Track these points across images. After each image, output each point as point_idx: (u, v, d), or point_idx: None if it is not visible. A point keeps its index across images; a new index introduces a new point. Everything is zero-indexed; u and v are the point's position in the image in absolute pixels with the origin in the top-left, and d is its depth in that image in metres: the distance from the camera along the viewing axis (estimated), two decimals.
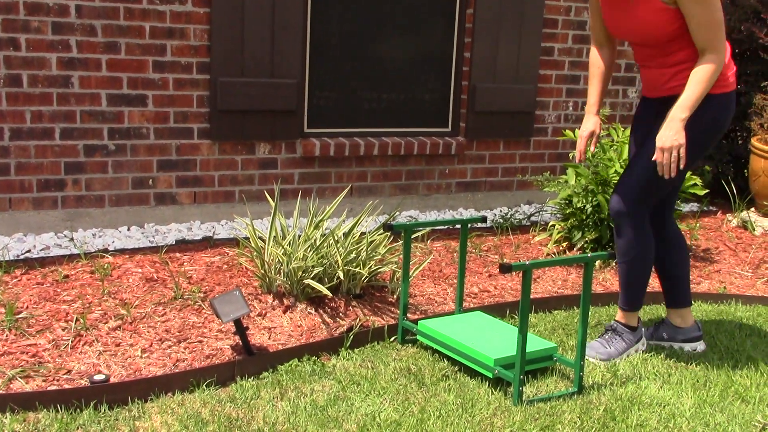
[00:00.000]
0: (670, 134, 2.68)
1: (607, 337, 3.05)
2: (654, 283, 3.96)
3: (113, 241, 3.80)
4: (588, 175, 4.10)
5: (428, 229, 4.29)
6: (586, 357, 3.00)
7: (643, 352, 3.10)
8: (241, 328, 2.80)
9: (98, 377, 2.56)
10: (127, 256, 3.56)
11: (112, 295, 3.13)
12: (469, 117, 4.80)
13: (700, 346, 3.15)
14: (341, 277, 3.17)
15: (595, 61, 3.05)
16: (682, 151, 2.69)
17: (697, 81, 2.67)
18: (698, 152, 2.84)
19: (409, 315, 3.27)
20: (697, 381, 2.89)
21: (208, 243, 3.85)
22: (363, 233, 3.52)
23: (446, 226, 4.45)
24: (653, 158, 2.74)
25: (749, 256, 4.44)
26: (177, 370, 2.69)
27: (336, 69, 4.50)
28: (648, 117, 3.00)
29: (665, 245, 3.07)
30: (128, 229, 4.02)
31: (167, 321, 2.98)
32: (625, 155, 4.02)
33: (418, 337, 3.02)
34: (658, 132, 2.73)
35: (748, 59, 5.57)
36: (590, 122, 3.03)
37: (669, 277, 3.11)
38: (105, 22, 3.83)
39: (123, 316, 2.97)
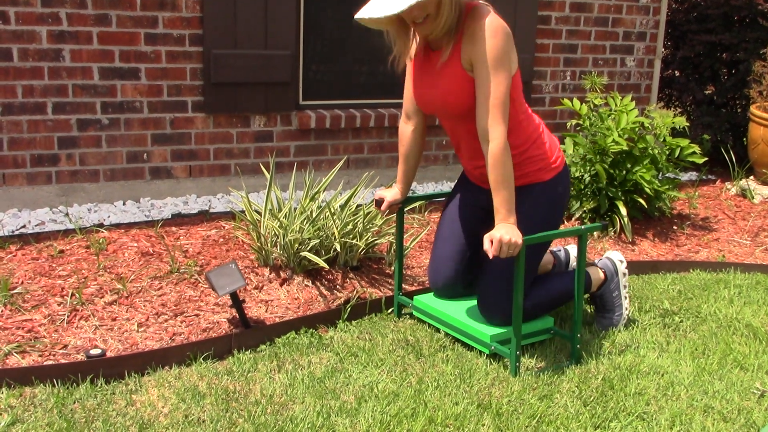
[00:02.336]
0: (504, 231, 2.47)
1: (601, 306, 3.03)
2: (652, 252, 3.95)
3: (108, 216, 3.78)
4: (586, 144, 4.06)
5: None
6: (608, 327, 2.99)
7: (621, 261, 3.03)
8: (237, 301, 2.78)
9: (94, 351, 2.55)
10: (123, 230, 3.53)
11: (108, 270, 3.11)
12: None
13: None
14: (338, 249, 3.15)
15: (403, 137, 2.89)
16: (516, 249, 2.50)
17: (503, 180, 2.49)
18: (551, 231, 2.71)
19: (406, 287, 3.26)
20: (696, 349, 2.88)
21: (204, 217, 3.82)
22: (359, 205, 3.50)
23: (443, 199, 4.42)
24: (491, 255, 2.49)
25: (748, 225, 4.43)
26: (174, 344, 2.68)
27: (331, 40, 4.45)
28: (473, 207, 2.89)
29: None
30: (123, 204, 3.99)
31: (163, 295, 2.97)
32: (623, 124, 3.99)
33: (414, 312, 3.00)
34: (491, 231, 2.52)
35: (747, 26, 5.52)
36: (390, 191, 2.92)
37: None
38: None
39: (119, 290, 2.95)
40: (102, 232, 3.49)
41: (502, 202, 2.52)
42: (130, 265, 3.17)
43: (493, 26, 2.46)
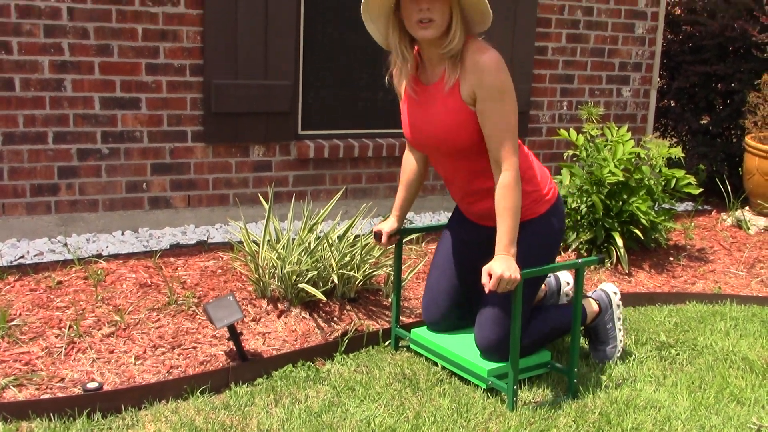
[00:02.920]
0: (504, 266, 2.48)
1: (595, 339, 3.04)
2: (649, 284, 3.96)
3: (107, 246, 3.79)
4: (582, 175, 4.09)
5: None
6: (604, 360, 3.00)
7: (615, 293, 3.05)
8: (234, 334, 2.79)
9: (91, 385, 2.55)
10: (121, 261, 3.54)
11: (106, 301, 3.11)
12: None
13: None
14: (336, 281, 3.17)
15: (406, 166, 2.93)
16: (513, 284, 2.51)
17: (511, 210, 2.52)
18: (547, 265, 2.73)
19: (403, 319, 3.27)
20: (692, 383, 2.89)
21: (202, 247, 3.83)
22: (357, 236, 3.51)
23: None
24: (488, 289, 2.51)
25: (744, 256, 4.45)
26: (171, 377, 2.68)
27: (330, 70, 4.49)
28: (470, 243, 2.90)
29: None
30: (122, 234, 4.00)
31: (161, 327, 2.97)
32: (619, 154, 4.02)
33: (411, 345, 3.01)
34: (489, 263, 2.53)
35: (741, 57, 5.58)
36: (387, 222, 2.93)
37: None
38: (97, 25, 3.81)
39: (116, 322, 2.96)
40: (100, 262, 3.50)
41: (505, 231, 2.53)
42: (128, 297, 3.17)
43: (497, 60, 2.50)
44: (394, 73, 2.70)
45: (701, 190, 4.41)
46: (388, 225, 2.93)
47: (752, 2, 5.49)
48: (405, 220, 4.56)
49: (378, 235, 2.93)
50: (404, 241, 4.05)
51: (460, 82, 2.54)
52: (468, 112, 2.55)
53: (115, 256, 3.61)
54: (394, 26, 2.57)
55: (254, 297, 3.23)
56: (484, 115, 2.52)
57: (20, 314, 2.96)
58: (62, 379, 2.62)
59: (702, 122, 5.87)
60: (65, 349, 2.77)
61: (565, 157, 4.61)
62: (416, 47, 2.65)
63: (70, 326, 2.89)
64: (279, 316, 3.13)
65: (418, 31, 2.49)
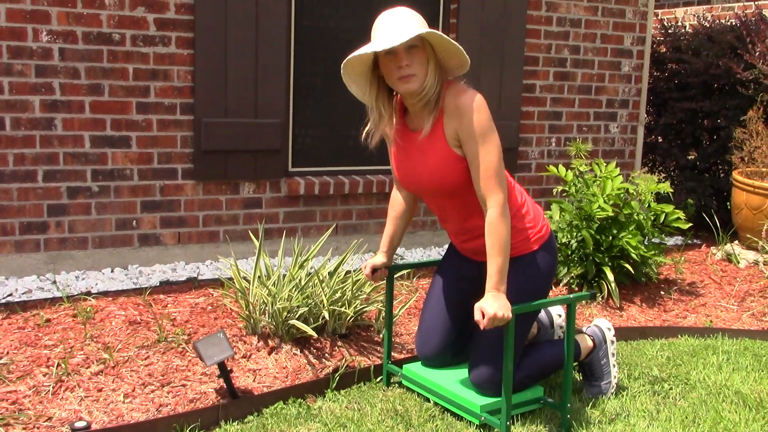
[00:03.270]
0: (497, 305, 2.49)
1: (589, 374, 3.02)
2: (640, 318, 3.96)
3: (96, 284, 3.76)
4: (572, 210, 4.11)
5: None
6: (598, 395, 2.99)
7: (609, 329, 3.05)
8: (225, 371, 2.76)
9: (79, 424, 2.51)
10: (111, 298, 3.52)
11: (95, 339, 3.08)
12: None
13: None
14: (326, 317, 3.15)
15: (394, 203, 2.95)
16: (504, 320, 2.52)
17: (499, 247, 2.52)
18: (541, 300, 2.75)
19: (395, 355, 3.25)
20: (686, 417, 2.87)
21: (192, 284, 3.82)
22: (348, 272, 3.51)
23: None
24: (483, 326, 2.51)
25: (734, 289, 4.46)
26: (160, 415, 2.65)
27: (320, 108, 4.52)
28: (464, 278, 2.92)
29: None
30: (112, 271, 3.98)
31: (150, 365, 2.94)
32: (608, 190, 4.05)
33: (403, 381, 2.99)
34: (481, 301, 2.54)
35: (726, 94, 5.65)
36: (377, 259, 2.93)
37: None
38: (88, 65, 3.84)
39: (105, 360, 2.93)
40: (89, 300, 3.48)
41: (496, 269, 2.53)
42: (118, 334, 3.14)
43: (477, 101, 2.52)
44: (370, 128, 2.71)
45: (690, 224, 4.43)
46: (379, 261, 2.93)
47: (736, 40, 5.59)
48: (396, 256, 4.56)
49: (370, 272, 2.93)
50: (395, 276, 4.05)
51: (444, 126, 2.57)
52: (454, 154, 2.58)
53: (105, 294, 3.59)
54: (373, 83, 2.62)
55: (245, 334, 3.21)
56: (468, 155, 2.55)
57: (8, 352, 2.93)
58: (50, 419, 2.58)
59: (689, 157, 5.93)
60: (53, 387, 2.73)
61: (554, 193, 4.63)
62: (398, 96, 2.69)
63: (59, 364, 2.85)
64: (270, 353, 3.10)
65: (401, 86, 2.54)
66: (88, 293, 3.60)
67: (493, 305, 2.48)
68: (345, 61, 2.53)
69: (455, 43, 2.52)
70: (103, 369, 2.88)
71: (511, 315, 2.50)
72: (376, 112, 2.65)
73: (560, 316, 3.20)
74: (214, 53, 4.06)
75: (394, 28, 2.48)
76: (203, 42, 4.03)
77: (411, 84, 2.52)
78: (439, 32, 2.49)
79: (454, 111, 2.54)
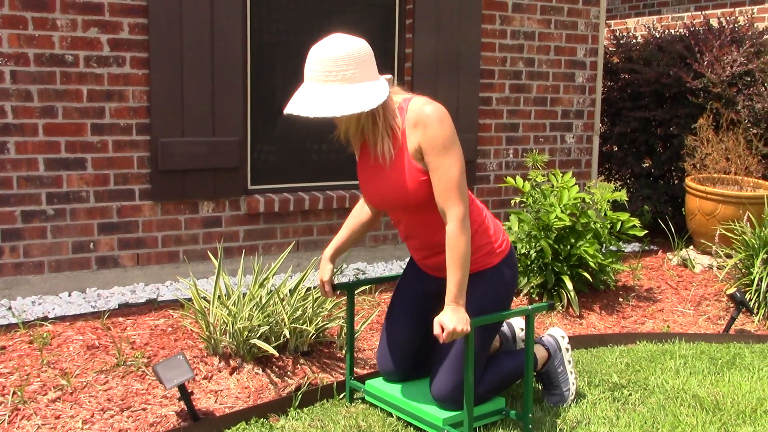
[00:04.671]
0: (456, 319, 2.50)
1: (548, 383, 3.06)
2: (600, 325, 4.01)
3: (53, 308, 3.71)
4: (530, 221, 4.16)
5: None
6: (558, 403, 3.02)
7: (563, 337, 3.08)
8: (185, 394, 2.74)
9: None
10: (68, 323, 3.47)
11: (52, 365, 3.04)
12: None
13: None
14: (288, 335, 3.14)
15: (356, 212, 2.92)
16: (463, 334, 2.53)
17: (458, 261, 2.53)
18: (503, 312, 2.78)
19: (357, 370, 3.25)
20: (645, 423, 2.92)
21: (152, 306, 3.78)
22: (309, 289, 3.50)
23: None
24: (442, 340, 2.52)
25: (690, 294, 4.54)
26: None
27: (278, 125, 4.53)
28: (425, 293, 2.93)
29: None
30: (69, 295, 3.93)
31: (109, 389, 2.91)
32: (565, 200, 4.10)
33: (366, 397, 2.99)
34: (440, 315, 2.54)
35: (677, 102, 5.78)
36: (321, 269, 2.90)
37: None
38: (41, 87, 3.80)
39: (63, 386, 2.88)
40: (46, 325, 3.42)
41: (455, 283, 2.55)
42: (75, 360, 3.10)
43: (439, 114, 2.54)
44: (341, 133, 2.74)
45: (646, 231, 4.52)
46: (326, 274, 2.90)
47: (685, 50, 5.72)
48: (357, 271, 4.57)
49: (323, 288, 2.91)
50: (357, 292, 4.05)
51: (407, 139, 2.58)
52: (417, 167, 2.59)
53: (62, 318, 3.54)
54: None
55: (205, 354, 3.18)
56: (430, 167, 2.56)
57: None
58: None
59: (644, 165, 6.04)
60: (9, 416, 2.68)
61: (512, 204, 4.69)
62: None
63: (14, 392, 2.80)
64: (231, 373, 3.08)
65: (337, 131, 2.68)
66: (45, 318, 3.54)
67: (452, 319, 2.50)
68: (287, 113, 2.53)
69: (355, 110, 2.44)
70: (61, 395, 2.83)
71: (469, 328, 2.52)
72: (342, 128, 2.68)
73: (522, 329, 3.23)
74: (170, 72, 4.05)
75: (311, 91, 2.46)
76: (158, 62, 4.01)
77: (337, 130, 2.65)
78: (351, 107, 2.42)
79: (417, 123, 2.55)
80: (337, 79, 2.44)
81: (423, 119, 2.54)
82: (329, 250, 2.93)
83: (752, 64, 5.44)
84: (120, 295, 3.96)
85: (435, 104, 2.57)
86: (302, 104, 2.46)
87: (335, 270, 2.94)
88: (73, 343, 3.24)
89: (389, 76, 2.67)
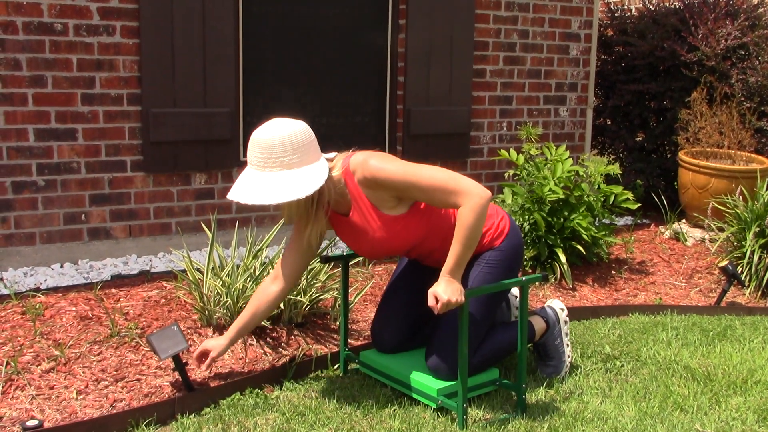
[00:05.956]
0: (450, 290, 2.50)
1: (543, 354, 3.07)
2: (592, 297, 4.03)
3: (45, 280, 3.69)
4: (524, 194, 4.16)
5: None
6: (552, 375, 3.03)
7: (562, 309, 3.10)
8: (180, 364, 2.74)
9: (31, 423, 2.46)
10: (61, 294, 3.45)
11: (45, 336, 3.03)
12: (405, 140, 4.83)
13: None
14: (282, 306, 3.13)
15: (263, 295, 2.74)
16: (457, 305, 2.53)
17: (463, 235, 2.51)
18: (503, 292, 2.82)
19: (351, 341, 3.25)
20: (637, 393, 2.94)
21: (144, 277, 3.76)
22: None
23: None
24: (437, 311, 2.52)
25: (682, 267, 4.56)
26: (114, 411, 2.61)
27: (271, 96, 4.49)
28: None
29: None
30: (61, 266, 3.91)
31: (103, 360, 2.90)
32: (559, 173, 4.10)
33: (360, 368, 3.00)
34: (434, 286, 2.54)
35: (671, 76, 5.76)
36: (216, 342, 2.76)
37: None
38: (30, 56, 3.74)
39: (56, 357, 2.87)
40: (39, 296, 3.41)
41: (455, 256, 2.54)
42: (69, 331, 3.09)
43: (378, 162, 2.52)
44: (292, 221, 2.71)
45: (639, 204, 4.52)
46: (217, 349, 2.75)
47: (679, 23, 5.69)
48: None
49: (201, 356, 2.77)
50: (351, 264, 4.05)
51: (369, 199, 2.59)
52: (395, 219, 2.60)
53: (54, 290, 3.52)
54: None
55: (199, 326, 3.18)
56: (416, 196, 2.54)
57: None
58: (0, 418, 2.52)
59: (637, 139, 6.04)
60: (2, 387, 2.67)
61: (506, 177, 4.68)
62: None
63: (8, 363, 2.79)
64: None
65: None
66: (37, 290, 3.52)
67: (446, 290, 2.50)
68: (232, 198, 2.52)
69: (295, 198, 2.44)
70: (55, 366, 2.83)
71: (463, 299, 2.52)
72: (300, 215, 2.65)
73: (516, 297, 3.24)
74: (161, 42, 4.00)
75: (251, 178, 2.47)
76: (149, 31, 3.96)
77: (283, 218, 2.64)
78: (279, 196, 2.42)
79: (371, 184, 2.55)
80: (275, 165, 2.44)
81: (369, 180, 2.53)
82: (231, 332, 2.77)
83: (746, 37, 5.42)
84: (112, 266, 3.95)
85: (367, 157, 2.54)
86: (242, 191, 2.47)
87: (225, 351, 2.82)
88: (66, 314, 3.22)
89: (332, 154, 2.66)
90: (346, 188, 2.60)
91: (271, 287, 2.76)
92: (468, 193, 2.51)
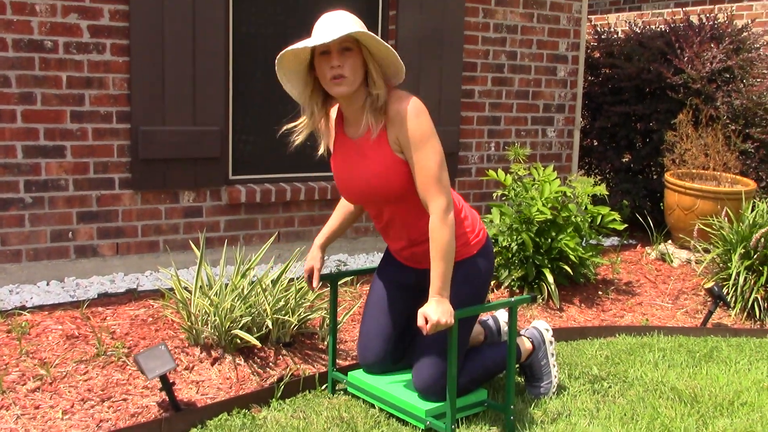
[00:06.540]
0: (440, 311, 2.51)
1: (530, 376, 3.07)
2: (580, 318, 4.04)
3: (31, 297, 3.66)
4: (512, 214, 4.18)
5: None
6: (540, 396, 3.03)
7: (547, 330, 3.10)
8: (167, 384, 2.72)
9: None
10: (47, 312, 3.43)
11: (31, 355, 3.00)
12: None
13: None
14: (270, 326, 3.13)
15: (342, 205, 2.96)
16: (447, 326, 2.54)
17: (441, 252, 2.53)
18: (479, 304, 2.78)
19: (339, 362, 3.25)
20: (625, 415, 2.94)
21: (131, 296, 3.74)
22: (291, 280, 3.49)
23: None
24: (426, 332, 2.52)
25: (668, 288, 4.59)
26: (101, 431, 2.59)
27: (260, 115, 4.50)
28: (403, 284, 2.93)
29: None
30: (47, 284, 3.88)
31: (90, 379, 2.88)
32: (547, 193, 4.12)
33: (348, 388, 2.99)
34: (424, 307, 2.55)
35: (657, 98, 5.82)
36: (312, 257, 2.90)
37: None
38: (19, 73, 3.74)
39: (42, 376, 2.85)
40: (24, 314, 3.38)
41: (439, 275, 2.55)
42: (55, 349, 3.07)
43: (416, 107, 2.54)
44: (300, 126, 2.70)
45: (626, 225, 4.55)
46: (317, 262, 2.92)
47: (665, 46, 5.76)
48: (339, 262, 4.56)
49: (310, 279, 2.92)
50: (339, 283, 4.04)
51: (387, 132, 2.58)
52: (397, 159, 2.59)
53: (40, 308, 3.50)
54: (308, 83, 2.62)
55: (187, 345, 3.16)
56: (410, 161, 2.56)
57: None
58: None
59: (624, 160, 6.08)
60: None
61: (494, 197, 4.70)
62: (338, 105, 2.69)
63: None
64: (213, 364, 3.07)
65: (333, 88, 2.54)
66: (23, 308, 3.50)
67: (436, 311, 2.51)
68: (279, 55, 2.52)
69: (388, 46, 2.52)
70: (40, 385, 2.80)
71: (453, 320, 2.53)
72: (308, 111, 2.65)
73: (507, 323, 3.24)
74: (151, 60, 4.00)
75: (331, 26, 2.48)
76: (139, 49, 3.97)
77: (341, 87, 2.52)
78: (372, 34, 2.49)
79: (395, 117, 2.55)
80: (348, 24, 2.49)
81: (402, 113, 2.54)
82: (320, 238, 2.94)
83: (731, 60, 5.49)
84: (99, 284, 3.92)
85: (412, 99, 2.56)
86: (320, 34, 2.47)
87: (323, 258, 2.93)
88: (52, 333, 3.20)
89: None
90: (383, 101, 2.57)
91: (349, 204, 2.94)
92: (443, 197, 2.54)
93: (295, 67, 2.59)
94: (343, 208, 2.98)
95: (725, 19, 6.17)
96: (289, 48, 2.50)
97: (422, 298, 2.69)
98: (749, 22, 6.28)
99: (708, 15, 6.09)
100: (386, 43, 2.52)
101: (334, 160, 2.75)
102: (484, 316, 3.36)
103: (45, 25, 3.78)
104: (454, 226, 2.57)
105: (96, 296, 3.74)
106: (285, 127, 2.70)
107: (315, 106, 2.64)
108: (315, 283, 2.90)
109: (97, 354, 3.04)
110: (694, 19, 6.89)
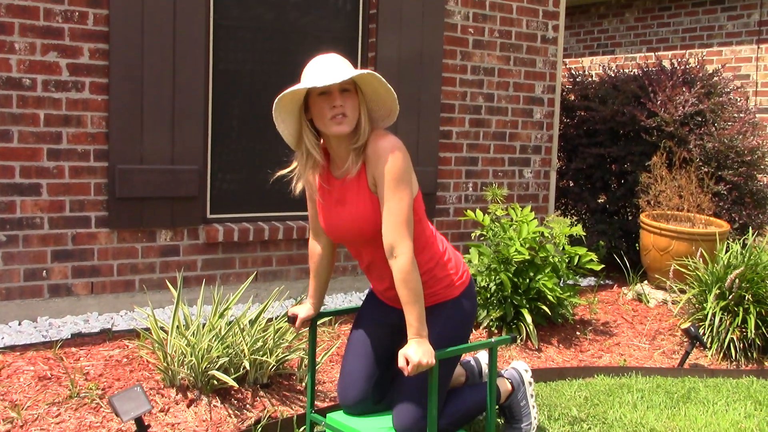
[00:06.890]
0: (421, 352, 2.49)
1: (510, 417, 3.06)
2: (558, 358, 4.04)
3: (2, 337, 3.59)
4: (490, 254, 4.19)
5: None
6: None
7: (526, 371, 3.08)
8: (142, 427, 2.67)
9: None
10: (18, 353, 3.36)
11: (1, 397, 2.93)
12: None
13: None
14: (248, 366, 3.09)
15: (313, 254, 2.89)
16: (428, 367, 2.51)
17: (415, 295, 2.52)
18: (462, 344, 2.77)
19: (318, 403, 3.21)
20: None
21: (106, 336, 3.69)
22: (270, 320, 3.46)
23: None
24: (408, 373, 2.49)
25: (645, 328, 4.61)
26: None
27: (239, 154, 4.50)
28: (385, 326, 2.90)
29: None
30: (19, 324, 3.81)
31: (62, 422, 2.81)
32: (524, 234, 4.15)
33: (327, 430, 2.95)
34: (405, 348, 2.52)
35: (631, 140, 5.91)
36: (302, 307, 2.91)
37: None
38: None
39: (13, 419, 2.78)
40: None
41: (415, 317, 2.54)
42: (26, 391, 3.00)
43: (392, 145, 2.55)
44: (297, 173, 2.71)
45: (603, 266, 4.58)
46: (304, 310, 2.90)
47: (639, 89, 5.87)
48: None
49: (293, 319, 2.89)
50: (317, 323, 4.01)
51: (366, 172, 2.59)
52: (375, 199, 2.59)
53: (12, 348, 3.42)
54: (301, 124, 2.63)
55: (162, 386, 3.11)
56: (382, 200, 2.56)
57: None
58: None
59: (599, 201, 6.15)
60: None
61: (472, 237, 4.72)
62: (322, 143, 2.70)
63: None
64: (189, 406, 3.02)
65: (333, 128, 2.54)
66: None
67: (417, 352, 2.49)
68: (279, 97, 2.53)
69: (389, 87, 2.55)
70: (11, 429, 2.73)
71: (434, 361, 2.51)
72: (304, 155, 2.64)
73: (480, 360, 3.23)
74: (130, 99, 4.00)
75: (330, 68, 2.51)
76: (118, 88, 3.97)
77: (343, 126, 2.53)
78: (377, 75, 2.52)
79: (373, 155, 2.56)
80: (344, 66, 2.52)
81: (379, 151, 2.55)
82: (311, 298, 2.91)
83: (703, 104, 5.60)
84: (73, 324, 3.86)
85: (391, 137, 2.57)
86: (323, 76, 2.48)
87: (316, 314, 2.90)
88: (24, 374, 3.13)
89: None
90: (365, 142, 2.58)
91: (316, 245, 2.87)
92: (410, 239, 2.54)
93: (289, 107, 2.61)
94: (315, 259, 2.90)
95: (696, 63, 6.32)
96: (290, 89, 2.51)
97: (405, 338, 2.67)
98: (719, 67, 6.43)
99: (680, 60, 6.23)
100: (388, 84, 2.55)
101: (318, 199, 2.75)
102: (466, 358, 3.34)
103: (24, 63, 3.77)
104: (417, 270, 2.56)
105: (69, 336, 3.68)
106: (278, 173, 2.69)
107: (311, 148, 2.64)
108: (298, 325, 2.88)
109: (70, 396, 2.97)
110: (666, 63, 7.04)
